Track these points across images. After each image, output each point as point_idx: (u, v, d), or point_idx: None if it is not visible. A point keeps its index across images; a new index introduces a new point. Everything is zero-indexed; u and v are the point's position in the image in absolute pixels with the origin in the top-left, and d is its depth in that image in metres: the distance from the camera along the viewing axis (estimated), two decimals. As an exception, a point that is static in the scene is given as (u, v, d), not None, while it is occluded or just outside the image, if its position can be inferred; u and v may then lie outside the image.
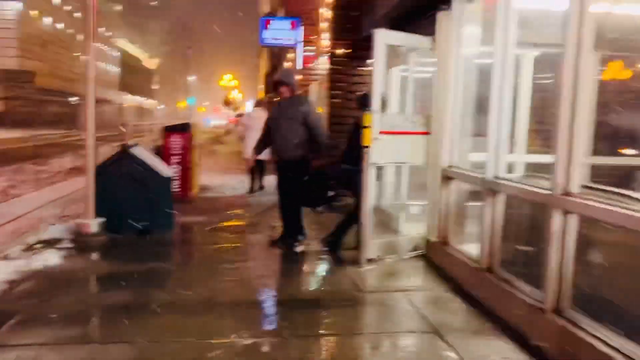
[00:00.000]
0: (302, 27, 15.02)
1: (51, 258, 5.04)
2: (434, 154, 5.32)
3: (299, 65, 16.01)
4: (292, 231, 5.84)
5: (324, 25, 12.76)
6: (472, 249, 4.62)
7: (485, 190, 4.14)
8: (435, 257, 5.17)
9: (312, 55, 15.16)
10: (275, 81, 5.80)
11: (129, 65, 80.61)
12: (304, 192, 5.77)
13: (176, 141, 8.86)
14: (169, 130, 8.91)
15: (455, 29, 4.89)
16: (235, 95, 55.75)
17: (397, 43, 5.23)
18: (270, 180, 11.59)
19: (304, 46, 15.38)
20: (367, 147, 4.94)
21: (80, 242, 5.72)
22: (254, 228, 6.61)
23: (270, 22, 14.86)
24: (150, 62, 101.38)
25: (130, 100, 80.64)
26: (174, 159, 8.83)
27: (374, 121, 4.92)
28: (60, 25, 52.31)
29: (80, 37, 57.79)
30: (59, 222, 6.75)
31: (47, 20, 49.21)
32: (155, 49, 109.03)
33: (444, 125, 5.05)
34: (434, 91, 5.28)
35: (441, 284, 4.59)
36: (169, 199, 6.43)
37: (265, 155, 10.27)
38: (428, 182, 5.42)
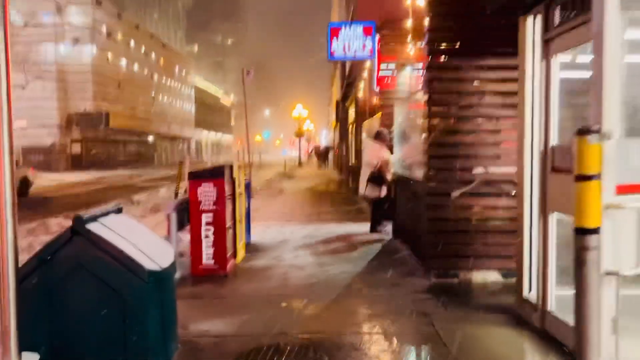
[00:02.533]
0: (378, 36, 12.09)
1: None
2: None
3: (375, 86, 13.02)
4: None
5: (411, 25, 9.72)
6: None
7: None
8: None
9: (391, 71, 12.20)
10: None
11: (205, 103, 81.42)
12: None
13: (207, 192, 6.15)
14: (195, 177, 6.19)
15: None
16: (308, 126, 53.94)
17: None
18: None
19: (381, 60, 12.37)
20: (590, 231, 1.83)
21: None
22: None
23: (341, 29, 11.99)
24: (227, 99, 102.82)
25: (206, 136, 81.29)
26: (205, 217, 6.14)
27: (607, 160, 1.83)
28: (135, 67, 53.07)
29: (156, 77, 58.64)
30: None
31: (123, 62, 49.86)
32: (231, 86, 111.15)
33: None
34: None
35: None
36: (166, 308, 3.60)
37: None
38: None
